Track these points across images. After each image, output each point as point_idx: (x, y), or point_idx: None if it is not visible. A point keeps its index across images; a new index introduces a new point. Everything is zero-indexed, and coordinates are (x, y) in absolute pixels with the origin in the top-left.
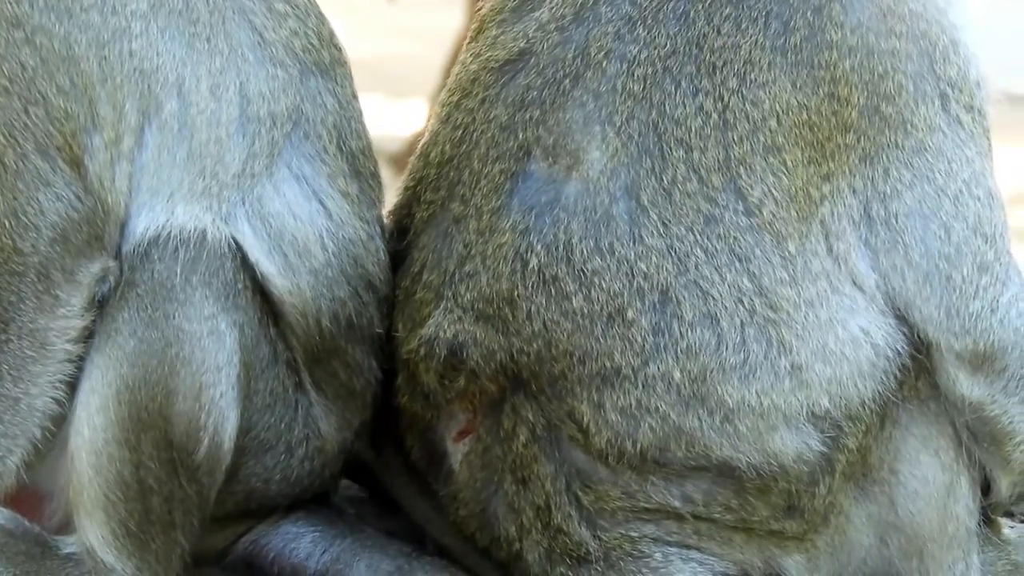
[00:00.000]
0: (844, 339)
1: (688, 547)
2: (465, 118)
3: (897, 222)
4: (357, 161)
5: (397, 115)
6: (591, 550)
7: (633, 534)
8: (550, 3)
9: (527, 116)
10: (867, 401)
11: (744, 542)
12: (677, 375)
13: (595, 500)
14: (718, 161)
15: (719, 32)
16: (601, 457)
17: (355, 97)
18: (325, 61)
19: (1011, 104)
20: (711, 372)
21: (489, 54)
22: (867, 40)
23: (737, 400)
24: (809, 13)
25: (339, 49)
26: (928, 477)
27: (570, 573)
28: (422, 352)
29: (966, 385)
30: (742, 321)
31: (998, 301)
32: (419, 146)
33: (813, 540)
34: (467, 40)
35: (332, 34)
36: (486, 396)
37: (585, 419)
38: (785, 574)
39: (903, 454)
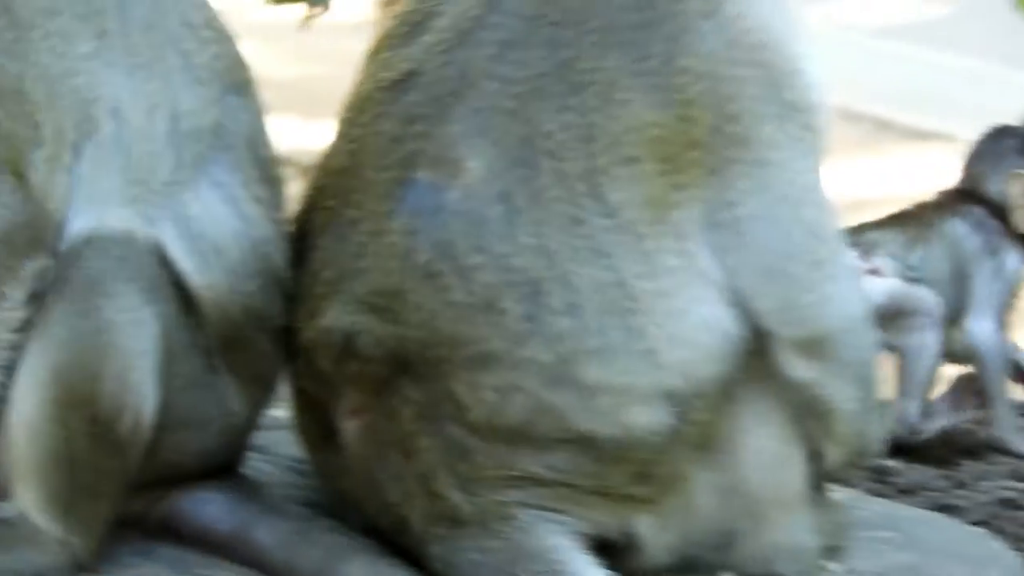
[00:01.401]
0: (694, 326)
1: (552, 510)
2: (359, 132)
3: (740, 226)
4: (266, 170)
5: (311, 132)
6: (466, 513)
7: (503, 499)
8: (436, 29)
9: (414, 130)
10: (713, 381)
11: (601, 505)
12: (544, 358)
13: (470, 469)
14: (582, 170)
15: (583, 56)
16: (476, 431)
17: (264, 112)
18: (240, 81)
19: (848, 121)
20: (575, 355)
21: (381, 75)
22: (715, 67)
23: (597, 380)
24: (664, 42)
25: (250, 70)
26: (765, 448)
27: (448, 533)
28: (320, 340)
29: (799, 368)
30: (603, 310)
31: (827, 294)
32: (319, 158)
33: (662, 503)
34: (364, 62)
35: (243, 57)
36: (376, 378)
37: (463, 397)
38: (637, 532)
39: (743, 428)
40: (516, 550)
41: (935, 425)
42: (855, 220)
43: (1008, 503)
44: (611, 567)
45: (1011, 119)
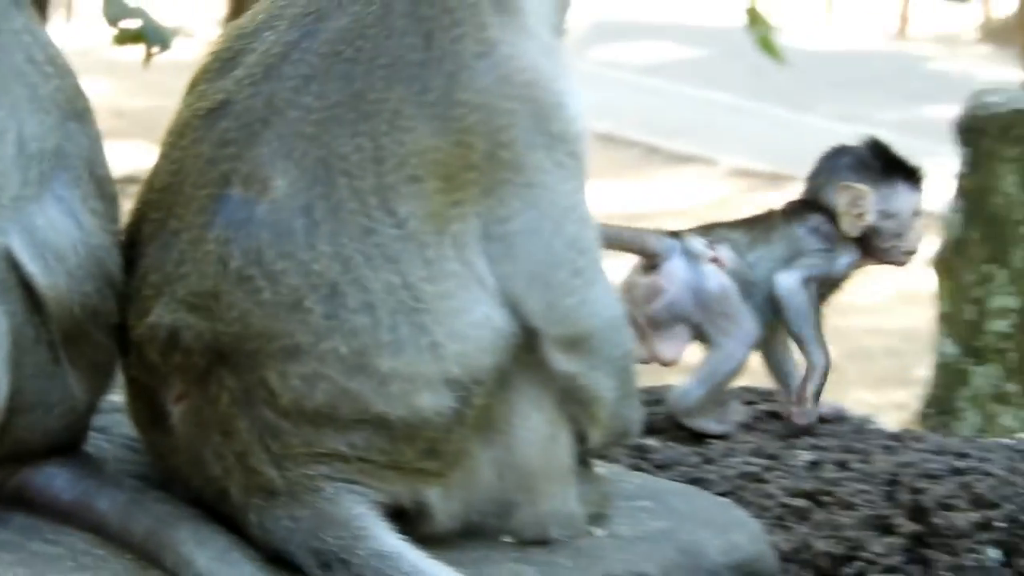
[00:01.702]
0: (471, 323)
1: (353, 482)
2: (180, 154)
3: (510, 239)
4: (102, 186)
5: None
6: (278, 486)
7: (311, 473)
8: (246, 64)
9: (227, 152)
10: (489, 370)
11: (396, 478)
12: (343, 350)
13: (281, 447)
14: (373, 187)
15: (373, 88)
16: (286, 415)
17: (100, 137)
18: (80, 110)
19: (621, 146)
20: (370, 348)
21: (198, 104)
22: (489, 101)
23: (390, 369)
24: (443, 78)
25: (88, 100)
26: (535, 428)
27: (263, 504)
28: (147, 336)
29: (562, 362)
30: (393, 309)
31: (587, 298)
32: (146, 177)
33: (449, 476)
34: (184, 93)
35: (82, 89)
36: (197, 369)
37: (273, 385)
38: (427, 502)
39: (517, 411)
40: (323, 518)
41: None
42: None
43: (750, 476)
44: (405, 532)
45: (760, 144)
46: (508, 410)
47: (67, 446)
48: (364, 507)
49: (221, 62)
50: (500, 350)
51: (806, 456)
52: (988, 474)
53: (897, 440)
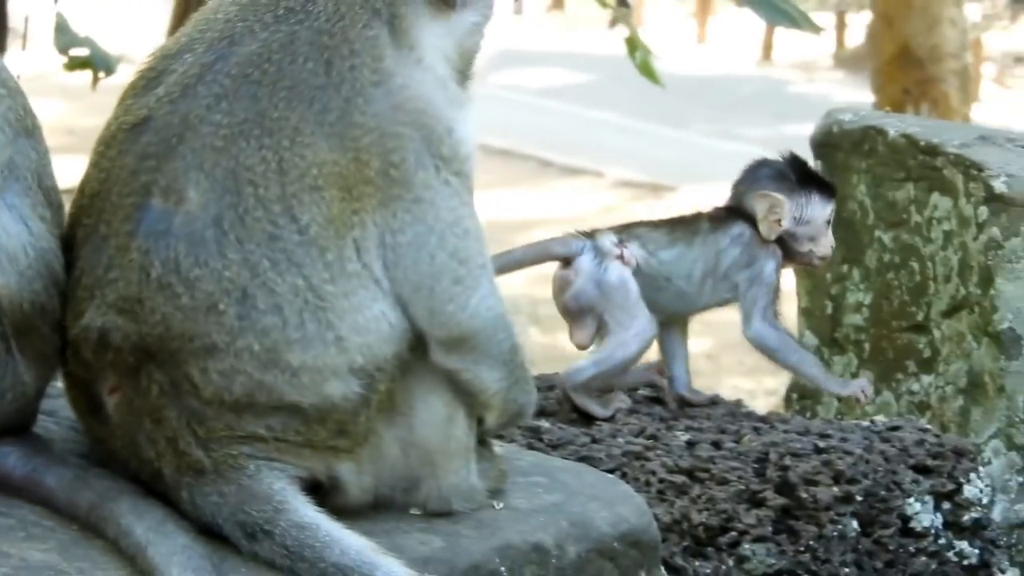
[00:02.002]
0: (370, 318)
1: (272, 460)
2: (108, 164)
3: (400, 249)
4: (49, 196)
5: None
6: (206, 465)
7: (234, 452)
8: (166, 83)
9: (148, 164)
10: (390, 359)
11: (311, 455)
12: (256, 347)
13: (206, 432)
14: (278, 196)
15: (277, 108)
16: (208, 404)
17: (48, 151)
18: (29, 127)
19: (517, 160)
20: (280, 344)
21: (124, 118)
22: (382, 125)
23: (300, 362)
24: (342, 101)
25: (37, 118)
26: (434, 410)
27: (193, 482)
28: (81, 336)
29: (445, 359)
30: (300, 308)
31: (468, 303)
32: (79, 184)
33: (359, 453)
34: (115, 107)
35: (31, 108)
36: (128, 365)
37: (196, 379)
38: (340, 476)
39: (417, 395)
40: (247, 493)
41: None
42: (524, 238)
43: (634, 455)
44: (321, 505)
45: (642, 158)
46: (408, 394)
47: (18, 428)
48: (284, 482)
49: (146, 80)
50: (398, 341)
51: (684, 437)
52: (848, 453)
53: (765, 422)
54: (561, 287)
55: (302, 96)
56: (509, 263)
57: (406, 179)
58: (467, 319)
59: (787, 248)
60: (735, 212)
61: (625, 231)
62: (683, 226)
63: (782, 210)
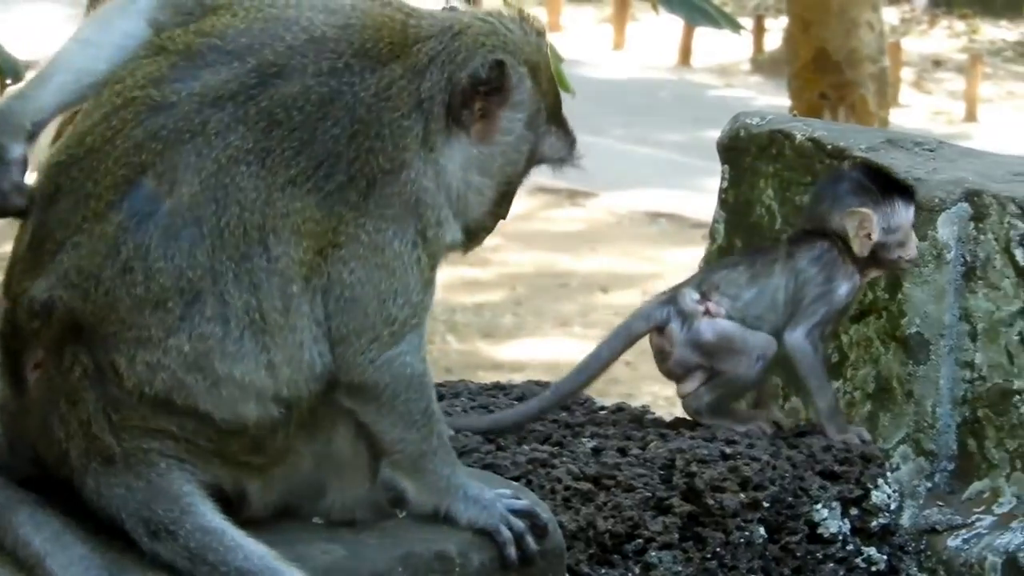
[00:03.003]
0: (306, 357)
1: (182, 460)
2: (118, 124)
3: (346, 303)
4: None
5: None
6: (115, 454)
7: (145, 447)
8: (203, 80)
9: (154, 146)
10: (314, 392)
11: (220, 465)
12: (187, 348)
13: (121, 419)
14: (258, 225)
15: (283, 154)
16: (128, 394)
17: None
18: None
19: None
20: (213, 352)
21: (151, 91)
22: (373, 210)
23: (225, 374)
24: (345, 176)
25: None
26: (349, 425)
27: (101, 469)
28: (24, 302)
29: (344, 399)
30: (244, 326)
31: (380, 356)
32: (77, 123)
33: (271, 472)
34: (144, 61)
35: None
36: (56, 340)
37: (121, 368)
38: (246, 491)
39: (335, 417)
40: (154, 490)
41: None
42: None
43: (539, 462)
44: (225, 513)
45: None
46: (328, 416)
47: None
48: (192, 485)
49: (190, 61)
50: (322, 379)
51: (590, 444)
52: (754, 459)
53: (672, 429)
54: (661, 357)
55: (313, 154)
56: (600, 364)
57: (379, 245)
58: (372, 371)
59: (876, 257)
60: (812, 234)
61: (704, 281)
62: (761, 257)
63: (871, 224)
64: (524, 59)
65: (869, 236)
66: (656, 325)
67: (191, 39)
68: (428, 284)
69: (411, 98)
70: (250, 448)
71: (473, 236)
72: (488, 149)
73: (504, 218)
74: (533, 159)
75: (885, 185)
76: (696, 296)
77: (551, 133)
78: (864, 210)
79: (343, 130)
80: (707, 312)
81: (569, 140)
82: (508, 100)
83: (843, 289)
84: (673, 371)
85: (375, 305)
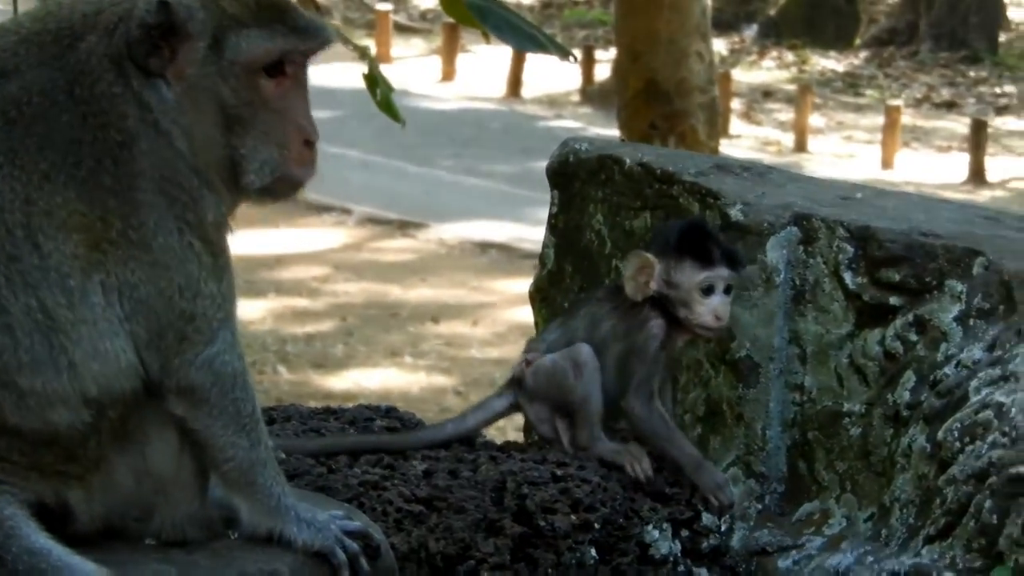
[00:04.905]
0: (109, 350)
1: (1, 482)
2: None
3: (134, 303)
4: None
5: None
6: None
7: None
8: None
9: None
10: (127, 393)
11: (39, 479)
12: None
13: None
14: (22, 224)
15: (28, 151)
16: None
17: None
18: None
19: None
20: (10, 365)
21: None
22: (125, 191)
23: (28, 386)
24: (92, 160)
25: None
26: (167, 439)
27: None
28: None
29: (175, 406)
30: (31, 330)
31: (198, 357)
32: None
33: (89, 480)
34: None
35: None
36: None
37: None
38: (69, 502)
39: (152, 425)
40: None
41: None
42: (275, 274)
43: (370, 484)
44: (52, 532)
45: (388, 196)
46: (142, 426)
47: None
48: (14, 507)
49: None
50: (132, 378)
51: (421, 466)
52: (585, 480)
53: (503, 451)
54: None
55: (56, 145)
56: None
57: (144, 242)
58: (195, 372)
59: (671, 315)
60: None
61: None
62: (576, 307)
63: (651, 271)
64: None
65: (647, 284)
66: (509, 404)
67: None
68: (217, 270)
69: (111, 63)
70: (64, 457)
71: (267, 188)
72: (191, 86)
73: (285, 148)
74: (239, 70)
75: (690, 243)
76: (519, 363)
77: (246, 35)
78: (646, 255)
79: (72, 115)
80: (528, 364)
81: (276, 31)
82: (185, 33)
83: (647, 341)
84: (545, 434)
85: (163, 304)
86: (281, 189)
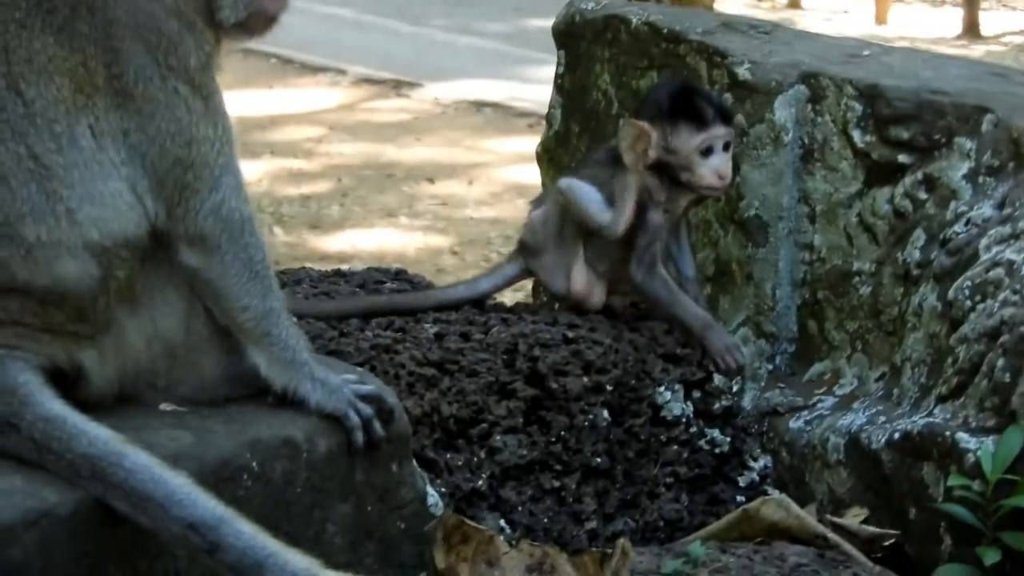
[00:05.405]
0: (105, 192)
1: (13, 347)
2: None
3: (136, 148)
4: None
5: None
6: None
7: None
8: None
9: None
10: (130, 240)
11: (51, 341)
12: None
13: None
14: (3, 73)
15: (11, 2)
16: None
17: None
18: None
19: (259, 58)
20: (12, 218)
21: None
22: (102, 38)
23: (33, 238)
24: (67, 7)
25: None
26: (174, 302)
27: None
28: None
29: (186, 256)
30: (25, 179)
31: (203, 205)
32: None
33: (101, 341)
34: None
35: None
36: None
37: None
38: (83, 364)
39: (156, 286)
40: None
41: None
42: (267, 135)
43: (382, 348)
44: (67, 397)
45: (382, 55)
46: (148, 283)
47: None
48: (28, 374)
49: None
50: (136, 224)
51: (432, 329)
52: (597, 342)
53: (513, 314)
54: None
55: (41, 5)
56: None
57: (127, 91)
58: (203, 218)
59: (676, 179)
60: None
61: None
62: (578, 165)
63: (649, 140)
64: None
65: (645, 152)
66: (520, 270)
67: None
68: (209, 114)
69: None
70: (75, 317)
71: (241, 23)
72: None
73: None
74: None
75: (682, 106)
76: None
77: None
78: (641, 124)
79: None
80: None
81: None
82: None
83: (649, 214)
84: (557, 290)
85: (156, 152)
86: (255, 25)
